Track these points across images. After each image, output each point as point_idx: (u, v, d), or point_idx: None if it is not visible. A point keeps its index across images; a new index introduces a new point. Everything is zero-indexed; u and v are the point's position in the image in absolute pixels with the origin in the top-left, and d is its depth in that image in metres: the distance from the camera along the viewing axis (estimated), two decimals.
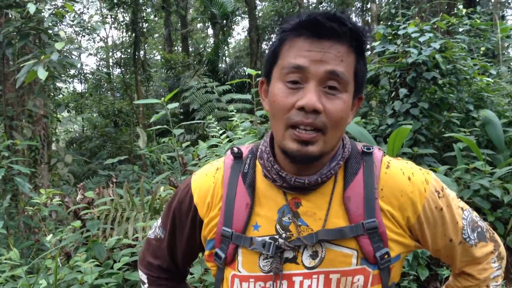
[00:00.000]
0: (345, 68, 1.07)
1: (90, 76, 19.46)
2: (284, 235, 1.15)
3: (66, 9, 5.94)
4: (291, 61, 1.06)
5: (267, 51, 1.18)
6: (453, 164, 4.93)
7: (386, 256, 1.14)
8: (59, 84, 15.24)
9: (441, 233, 1.23)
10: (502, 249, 1.34)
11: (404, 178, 1.20)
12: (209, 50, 22.19)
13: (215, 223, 1.22)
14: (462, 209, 1.26)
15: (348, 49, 1.08)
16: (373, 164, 1.20)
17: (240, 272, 1.18)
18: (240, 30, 35.16)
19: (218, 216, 1.21)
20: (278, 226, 1.16)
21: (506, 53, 9.35)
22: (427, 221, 1.20)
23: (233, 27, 23.82)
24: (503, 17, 15.94)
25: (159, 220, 1.41)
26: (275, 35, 1.14)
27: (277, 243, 1.13)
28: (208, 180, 1.28)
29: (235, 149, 1.28)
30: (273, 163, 1.18)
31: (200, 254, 1.45)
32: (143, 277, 1.44)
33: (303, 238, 1.13)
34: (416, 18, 6.90)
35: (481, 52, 7.59)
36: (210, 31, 27.31)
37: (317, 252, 1.14)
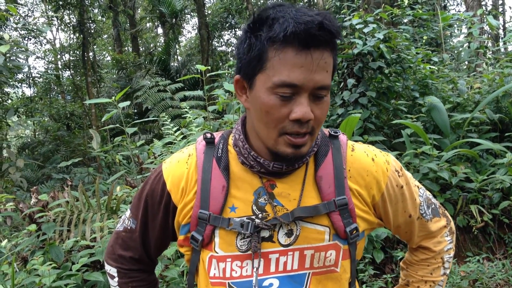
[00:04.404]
0: (329, 77, 1.12)
1: (39, 80, 18.97)
2: (260, 215, 1.21)
3: (10, 12, 5.80)
4: (284, 79, 1.07)
5: (241, 48, 1.16)
6: (403, 150, 5.08)
7: (355, 231, 1.23)
8: (7, 89, 14.82)
9: (401, 209, 1.34)
10: (453, 224, 1.48)
11: (368, 160, 1.29)
12: (160, 49, 22.02)
13: (191, 207, 1.25)
14: (418, 187, 1.40)
15: (330, 53, 1.10)
16: (340, 147, 1.29)
17: (217, 253, 1.23)
18: (190, 28, 34.80)
19: (194, 200, 1.25)
20: (254, 207, 1.22)
21: (448, 41, 9.65)
22: (389, 198, 1.30)
23: (183, 25, 23.73)
24: (445, 7, 16.46)
25: (128, 212, 1.43)
26: (247, 34, 1.13)
27: (254, 222, 1.19)
28: (180, 166, 1.30)
29: (208, 135, 1.32)
30: (249, 150, 1.22)
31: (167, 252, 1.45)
32: (112, 271, 1.44)
33: (279, 217, 1.19)
34: (361, 10, 7.07)
35: (424, 41, 7.83)
36: (160, 30, 27.11)
37: (292, 231, 1.21)
